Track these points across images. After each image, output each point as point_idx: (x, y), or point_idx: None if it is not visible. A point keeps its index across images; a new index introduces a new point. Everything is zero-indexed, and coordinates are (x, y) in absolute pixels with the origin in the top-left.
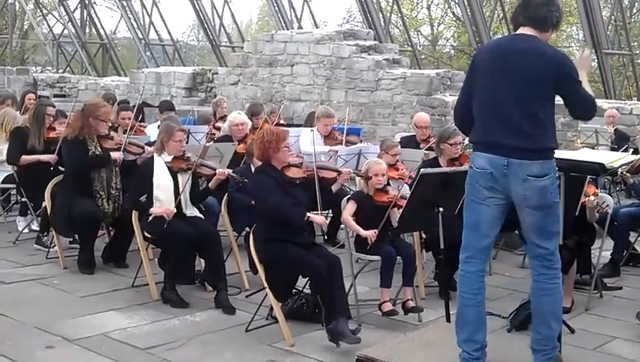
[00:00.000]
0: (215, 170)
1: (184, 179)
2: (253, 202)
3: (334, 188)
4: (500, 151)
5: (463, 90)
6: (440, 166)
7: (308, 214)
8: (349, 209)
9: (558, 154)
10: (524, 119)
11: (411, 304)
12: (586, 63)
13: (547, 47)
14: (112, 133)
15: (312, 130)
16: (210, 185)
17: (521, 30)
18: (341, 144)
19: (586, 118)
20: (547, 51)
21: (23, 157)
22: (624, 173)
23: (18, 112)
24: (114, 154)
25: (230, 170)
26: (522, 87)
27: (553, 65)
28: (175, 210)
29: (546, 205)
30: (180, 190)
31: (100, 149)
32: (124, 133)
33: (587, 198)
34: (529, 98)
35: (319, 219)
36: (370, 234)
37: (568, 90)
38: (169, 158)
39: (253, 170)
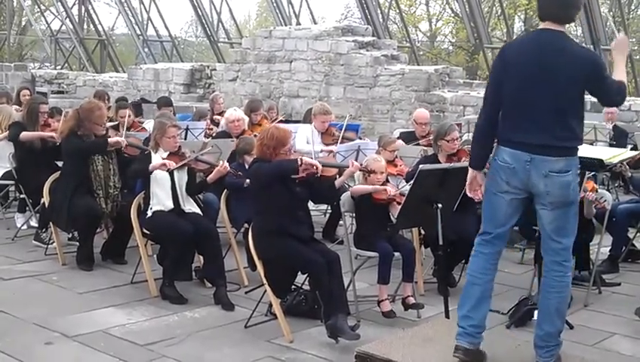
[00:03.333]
0: (212, 165)
1: (180, 175)
2: (247, 181)
3: (338, 182)
4: (524, 147)
5: (493, 91)
6: (439, 162)
7: (301, 158)
8: (355, 186)
9: None
10: (554, 117)
11: (412, 300)
12: (623, 47)
13: (579, 46)
14: (110, 133)
15: (312, 128)
16: (209, 178)
17: (548, 24)
18: (337, 141)
19: (612, 105)
20: (580, 51)
21: (24, 133)
22: (623, 164)
23: (14, 108)
24: (116, 139)
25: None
26: (556, 86)
27: (587, 65)
28: (174, 165)
29: (567, 202)
30: (177, 185)
31: None
32: (125, 131)
33: (585, 193)
34: (561, 96)
35: (312, 161)
36: (387, 188)
37: (599, 88)
38: (165, 155)
39: (247, 166)
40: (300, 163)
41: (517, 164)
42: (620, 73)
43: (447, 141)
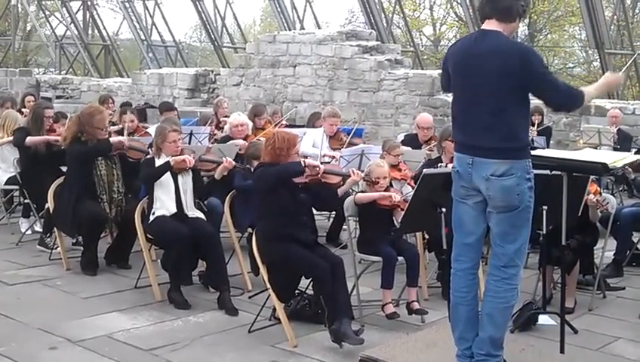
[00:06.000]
0: (218, 163)
1: (184, 180)
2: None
3: (342, 190)
4: (466, 150)
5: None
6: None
7: (304, 160)
8: (359, 194)
9: (561, 154)
10: (490, 119)
11: (416, 306)
12: (613, 83)
13: (511, 43)
14: (113, 137)
15: (322, 132)
16: (216, 175)
17: (487, 24)
18: (344, 145)
19: (558, 109)
20: (511, 48)
21: (29, 137)
22: (626, 167)
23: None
24: (118, 138)
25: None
26: (488, 87)
27: (518, 61)
28: (192, 161)
29: (510, 206)
30: (181, 190)
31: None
32: (129, 135)
33: (589, 196)
34: (495, 97)
35: (314, 162)
36: (392, 194)
37: (538, 84)
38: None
39: (252, 170)
40: (303, 165)
41: (460, 168)
42: (590, 88)
43: (452, 142)
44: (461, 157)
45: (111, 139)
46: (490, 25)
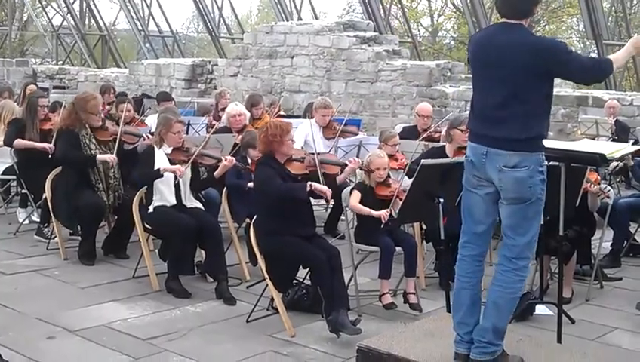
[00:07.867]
0: (218, 159)
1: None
2: (250, 184)
3: (340, 178)
4: (481, 140)
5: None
6: (446, 155)
7: (310, 183)
8: (354, 197)
9: (559, 145)
10: (506, 110)
11: (413, 299)
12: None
13: (532, 35)
14: (108, 124)
15: (313, 123)
16: (216, 173)
17: (505, 19)
18: (337, 134)
19: (590, 82)
20: (532, 40)
21: (18, 140)
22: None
23: (16, 104)
24: (107, 157)
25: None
26: (507, 78)
27: (540, 54)
28: (182, 172)
29: (521, 198)
30: (180, 182)
31: (94, 142)
32: (125, 125)
33: (589, 185)
34: (513, 89)
35: (322, 187)
36: (383, 213)
37: (565, 70)
38: (169, 150)
39: (249, 161)
40: (309, 188)
41: (474, 157)
42: (618, 55)
43: (462, 131)
44: (476, 147)
45: (97, 157)
46: (507, 19)
